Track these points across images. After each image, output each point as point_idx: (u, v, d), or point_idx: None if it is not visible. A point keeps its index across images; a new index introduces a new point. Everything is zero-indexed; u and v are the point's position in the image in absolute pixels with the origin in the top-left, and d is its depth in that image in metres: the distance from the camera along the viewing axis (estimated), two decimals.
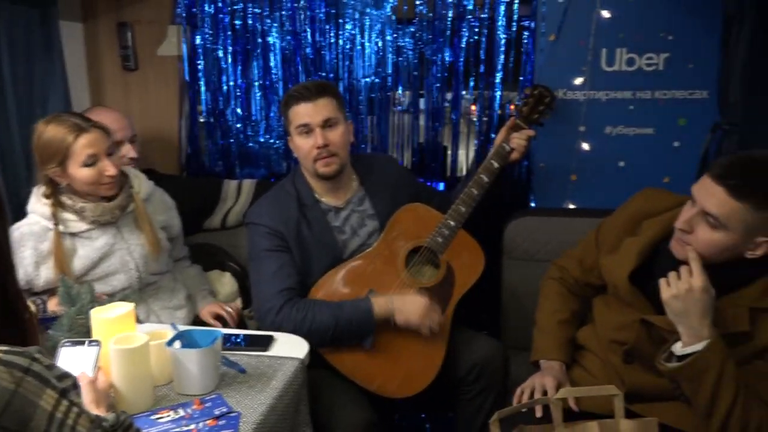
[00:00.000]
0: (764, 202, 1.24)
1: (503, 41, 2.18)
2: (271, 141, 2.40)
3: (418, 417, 2.34)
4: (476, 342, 1.81)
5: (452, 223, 1.81)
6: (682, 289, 1.26)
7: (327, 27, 2.26)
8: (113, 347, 1.20)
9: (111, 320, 1.30)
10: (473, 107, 2.33)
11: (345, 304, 1.68)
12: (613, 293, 1.55)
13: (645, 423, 1.21)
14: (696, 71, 2.04)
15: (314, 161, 1.74)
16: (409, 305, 1.68)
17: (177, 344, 1.32)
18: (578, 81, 2.10)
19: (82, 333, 1.38)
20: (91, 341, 1.24)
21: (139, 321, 1.59)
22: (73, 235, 1.70)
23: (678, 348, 1.30)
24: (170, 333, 1.35)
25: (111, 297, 1.72)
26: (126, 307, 1.34)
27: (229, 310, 1.91)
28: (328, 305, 1.67)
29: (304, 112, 1.72)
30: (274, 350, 1.50)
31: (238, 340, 1.53)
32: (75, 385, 0.83)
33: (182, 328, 1.38)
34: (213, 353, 1.30)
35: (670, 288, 1.29)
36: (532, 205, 2.25)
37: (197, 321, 1.92)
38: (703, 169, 1.96)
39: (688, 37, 2.02)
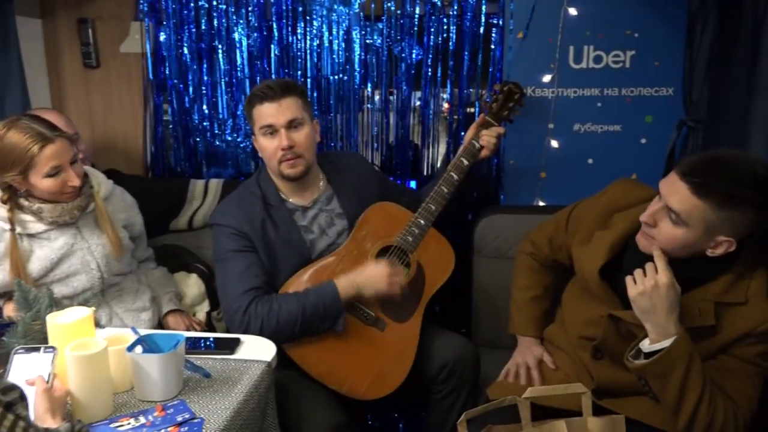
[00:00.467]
0: (725, 202, 1.24)
1: (471, 38, 2.18)
2: (239, 140, 2.36)
3: (390, 417, 2.33)
4: (447, 341, 1.80)
5: (422, 221, 1.80)
6: (648, 285, 1.27)
7: (294, 23, 2.22)
8: (70, 354, 1.16)
9: (68, 325, 1.25)
10: (446, 105, 2.32)
11: (309, 290, 1.66)
12: (584, 285, 1.56)
13: (613, 420, 1.21)
14: (662, 69, 2.07)
15: (279, 163, 1.71)
16: (371, 277, 1.66)
17: (138, 349, 1.28)
18: (547, 78, 2.11)
19: (38, 339, 1.33)
20: (46, 347, 1.20)
21: (100, 326, 1.55)
22: (31, 236, 1.65)
23: (645, 345, 1.31)
24: (131, 337, 1.30)
25: (72, 299, 1.68)
26: (84, 312, 1.29)
27: (196, 327, 1.87)
28: (292, 294, 1.66)
29: (267, 113, 1.68)
30: (241, 353, 1.46)
31: (203, 343, 1.49)
32: (22, 398, 0.79)
33: (144, 332, 1.34)
34: (175, 358, 1.26)
35: (636, 285, 1.29)
36: (502, 202, 2.25)
37: (161, 324, 1.88)
38: (670, 166, 2.01)
39: (653, 35, 2.05)
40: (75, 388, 1.17)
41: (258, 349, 1.48)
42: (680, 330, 1.26)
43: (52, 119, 1.81)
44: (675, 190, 1.29)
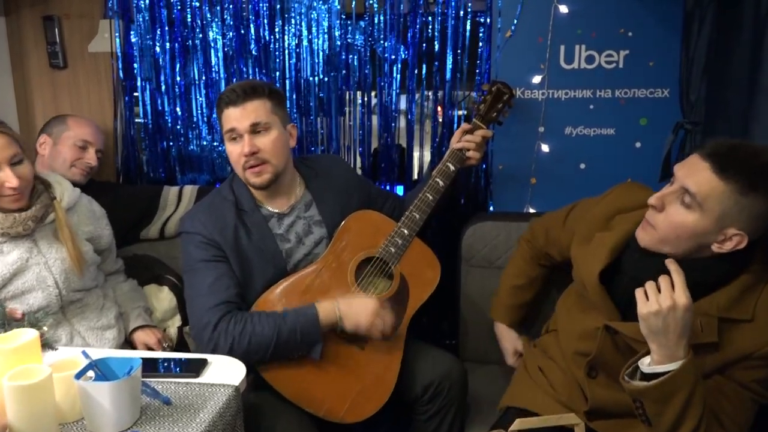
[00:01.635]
0: (747, 186, 1.16)
1: (457, 38, 2.08)
2: (215, 144, 2.25)
3: None
4: (432, 358, 1.70)
5: (406, 231, 1.70)
6: (664, 306, 1.14)
7: (272, 22, 2.11)
8: (7, 384, 1.04)
9: (10, 351, 1.14)
10: (439, 108, 2.22)
11: (288, 312, 1.54)
12: (579, 292, 1.48)
13: None
14: (657, 69, 1.98)
15: (244, 170, 1.60)
16: (356, 308, 1.54)
17: (90, 374, 1.16)
18: (536, 79, 2.02)
19: None
20: None
21: (53, 348, 1.43)
22: None
23: (645, 364, 1.21)
24: (82, 362, 1.18)
25: (27, 316, 1.56)
26: (30, 334, 1.18)
27: (165, 346, 1.76)
28: (269, 315, 1.54)
29: (231, 116, 1.58)
30: (206, 376, 1.35)
31: (167, 365, 1.38)
32: None
33: (97, 354, 1.22)
34: (129, 385, 1.14)
35: (648, 303, 1.17)
36: (491, 209, 2.16)
37: (130, 342, 1.76)
38: (666, 170, 1.92)
39: (648, 33, 1.96)
40: (14, 421, 1.05)
41: (226, 372, 1.37)
42: (689, 353, 1.16)
43: (91, 132, 2.03)
44: (695, 170, 1.20)
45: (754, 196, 1.16)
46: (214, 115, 2.21)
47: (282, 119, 1.63)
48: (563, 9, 1.96)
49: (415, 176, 2.28)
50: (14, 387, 1.04)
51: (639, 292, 1.19)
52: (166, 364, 1.39)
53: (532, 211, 2.11)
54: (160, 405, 1.22)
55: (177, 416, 1.19)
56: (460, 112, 2.17)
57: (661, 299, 1.15)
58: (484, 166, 2.12)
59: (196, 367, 1.37)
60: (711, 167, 1.18)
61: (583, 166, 2.08)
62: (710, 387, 1.23)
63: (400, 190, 2.30)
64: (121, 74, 2.21)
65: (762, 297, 1.24)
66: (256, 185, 1.62)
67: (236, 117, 1.57)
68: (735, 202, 1.17)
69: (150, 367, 1.37)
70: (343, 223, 1.70)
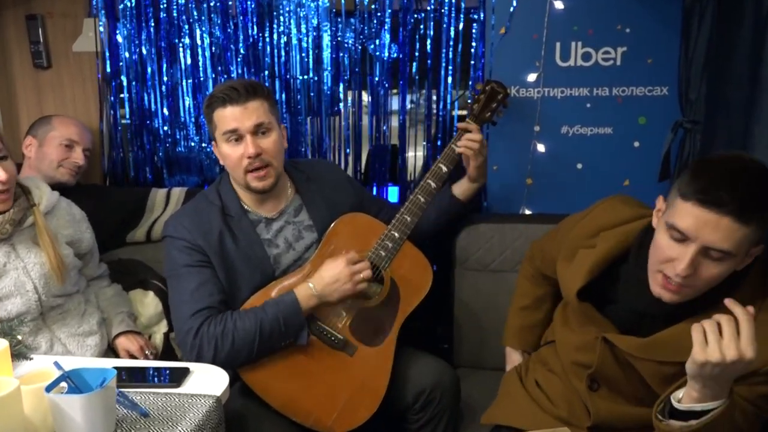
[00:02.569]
0: (765, 216, 1.09)
1: (450, 35, 2.03)
2: (203, 145, 2.20)
3: None
4: (424, 364, 1.65)
5: (396, 234, 1.65)
6: (729, 358, 1.00)
7: (260, 20, 2.06)
8: None
9: None
10: (425, 107, 2.17)
11: (267, 303, 1.50)
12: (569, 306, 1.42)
13: None
14: (655, 67, 1.94)
15: (245, 173, 1.55)
16: (330, 279, 1.50)
17: (63, 386, 1.11)
18: (531, 77, 1.97)
19: None
20: None
21: (27, 357, 1.38)
22: None
23: (678, 399, 1.11)
24: (54, 373, 1.13)
25: (0, 325, 1.51)
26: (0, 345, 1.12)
27: (148, 353, 1.71)
28: (247, 310, 1.50)
29: (231, 116, 1.51)
30: (188, 386, 1.30)
31: (146, 374, 1.33)
32: None
33: (70, 365, 1.17)
34: (103, 398, 1.09)
35: (709, 350, 1.02)
36: (486, 211, 2.11)
37: (113, 349, 1.72)
38: (665, 170, 1.87)
39: (646, 30, 1.92)
40: None
41: (208, 382, 1.32)
42: (731, 391, 1.07)
43: (78, 130, 1.97)
44: (714, 228, 1.09)
45: None
46: (202, 115, 2.16)
47: (277, 120, 1.59)
48: (559, 5, 1.92)
49: (409, 177, 2.23)
50: None
51: (696, 332, 1.05)
52: (145, 373, 1.34)
53: (527, 212, 2.07)
54: (137, 417, 1.18)
55: (155, 429, 1.14)
56: (454, 112, 2.12)
57: (725, 349, 1.01)
58: None
59: (177, 377, 1.32)
60: (732, 220, 1.08)
61: (580, 166, 2.03)
62: None
63: (393, 190, 2.26)
64: (106, 74, 2.16)
65: (762, 312, 1.16)
66: (258, 189, 1.56)
67: (237, 117, 1.51)
68: (759, 233, 1.10)
69: (129, 376, 1.33)
70: (331, 226, 1.65)
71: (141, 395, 1.25)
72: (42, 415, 1.10)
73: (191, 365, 1.38)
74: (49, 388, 1.08)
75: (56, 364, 1.15)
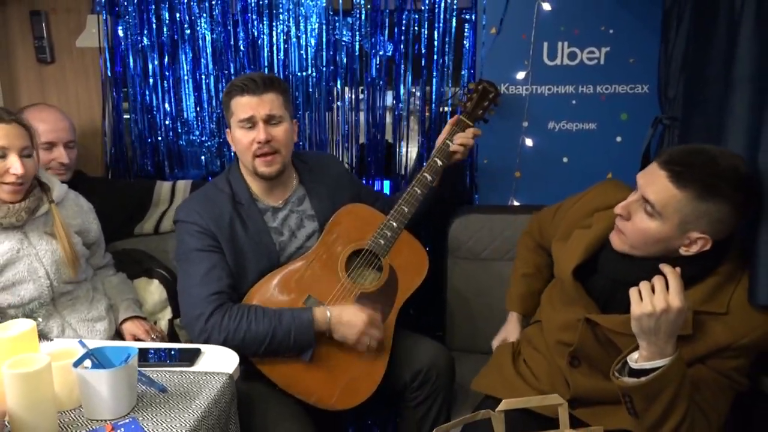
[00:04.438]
0: (703, 193, 1.20)
1: (444, 34, 2.11)
2: (204, 139, 2.26)
3: (362, 428, 2.25)
4: (420, 346, 1.74)
5: (395, 224, 1.74)
6: (659, 308, 1.15)
7: (260, 18, 2.13)
8: (7, 371, 1.06)
9: (9, 340, 1.15)
10: (419, 104, 2.25)
11: (284, 313, 1.56)
12: (559, 286, 1.52)
13: None
14: (637, 66, 2.04)
15: (254, 157, 1.63)
16: (345, 322, 1.57)
17: (87, 363, 1.18)
18: (521, 75, 2.06)
19: None
20: None
21: (48, 338, 1.45)
22: None
23: (634, 360, 1.23)
24: (79, 351, 1.21)
25: (19, 309, 1.57)
26: (27, 324, 1.19)
27: (154, 336, 1.77)
28: (265, 313, 1.56)
29: (247, 105, 1.60)
30: (200, 365, 1.38)
31: (160, 354, 1.40)
32: None
33: (93, 344, 1.24)
34: (127, 373, 1.17)
35: (642, 304, 1.17)
36: (477, 202, 2.20)
37: (120, 333, 1.78)
38: (645, 164, 1.96)
39: (628, 31, 2.01)
40: (14, 408, 1.07)
41: (219, 361, 1.40)
42: (677, 350, 1.19)
43: (51, 118, 1.88)
44: (653, 180, 1.25)
45: (713, 202, 1.20)
46: (204, 110, 2.23)
47: (290, 114, 1.68)
48: (546, 6, 2.01)
49: (402, 171, 2.31)
50: (14, 375, 1.06)
51: (633, 292, 1.20)
52: (160, 353, 1.41)
53: (516, 203, 2.16)
54: (155, 393, 1.25)
55: (173, 403, 1.21)
56: (446, 109, 2.21)
57: (656, 301, 1.16)
58: (469, 160, 2.16)
59: (189, 357, 1.40)
60: (668, 176, 1.22)
61: (566, 159, 2.13)
62: (692, 376, 1.26)
63: (386, 184, 2.33)
64: (108, 69, 2.21)
65: (736, 292, 1.28)
66: (265, 174, 1.64)
67: (254, 105, 1.60)
68: (693, 208, 1.21)
69: (144, 356, 1.40)
70: (333, 216, 1.73)
71: (157, 374, 1.32)
72: (69, 389, 1.17)
73: (202, 346, 1.45)
74: (75, 364, 1.16)
75: (81, 342, 1.22)
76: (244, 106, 1.61)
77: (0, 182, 1.51)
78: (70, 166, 1.96)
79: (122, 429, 1.12)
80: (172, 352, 1.42)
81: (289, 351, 1.56)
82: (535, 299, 1.75)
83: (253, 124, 1.61)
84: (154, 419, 1.16)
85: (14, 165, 1.49)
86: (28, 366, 1.08)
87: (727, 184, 1.20)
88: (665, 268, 1.20)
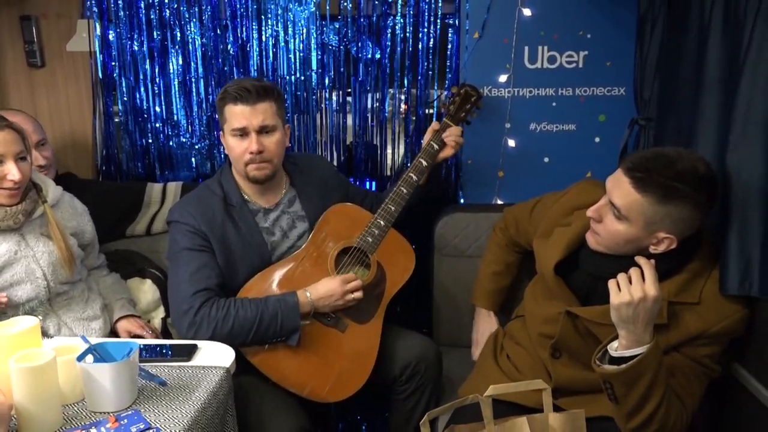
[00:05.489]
0: (663, 197, 1.27)
1: (428, 39, 2.18)
2: (194, 141, 2.30)
3: (353, 419, 2.31)
4: (408, 341, 1.79)
5: (382, 222, 1.80)
6: (636, 297, 1.23)
7: (249, 23, 2.18)
8: (14, 366, 1.10)
9: (13, 336, 1.19)
10: (404, 106, 2.31)
11: (269, 298, 1.62)
12: (542, 281, 1.58)
13: (572, 415, 1.22)
14: (614, 69, 2.11)
15: (246, 165, 1.67)
16: (324, 294, 1.64)
17: (89, 359, 1.23)
18: (503, 78, 2.13)
19: None
20: None
21: (47, 335, 1.48)
22: None
23: (614, 349, 1.30)
24: (81, 347, 1.25)
25: (17, 309, 1.60)
26: (30, 321, 1.23)
27: (149, 332, 1.80)
28: (251, 300, 1.61)
29: (241, 114, 1.63)
30: (198, 360, 1.42)
31: (159, 350, 1.45)
32: None
33: (94, 340, 1.29)
34: (129, 367, 1.21)
35: (620, 293, 1.25)
36: (462, 201, 2.26)
37: (115, 332, 1.81)
38: None
39: (605, 36, 2.09)
40: (20, 401, 1.11)
41: (216, 355, 1.44)
42: (653, 338, 1.26)
43: (20, 120, 1.76)
44: (618, 185, 1.32)
45: (672, 204, 1.27)
46: (194, 113, 2.26)
47: (282, 120, 1.71)
48: (527, 12, 2.08)
49: (388, 172, 2.36)
50: (21, 368, 1.10)
51: (612, 283, 1.27)
52: (158, 349, 1.45)
53: (500, 202, 2.22)
54: (155, 386, 1.29)
55: (173, 396, 1.26)
56: (430, 111, 2.26)
57: (633, 290, 1.23)
58: (454, 160, 2.22)
59: (186, 352, 1.44)
60: (630, 182, 1.29)
61: (546, 159, 2.20)
62: (668, 363, 1.33)
63: (372, 185, 2.38)
64: (99, 73, 2.24)
65: (708, 283, 1.36)
66: (256, 179, 1.69)
67: (246, 115, 1.62)
68: (655, 211, 1.28)
69: (143, 352, 1.43)
70: (323, 215, 1.78)
71: (156, 368, 1.36)
72: (72, 383, 1.21)
73: (198, 342, 1.50)
74: (79, 359, 1.20)
75: (83, 337, 1.26)
76: (237, 115, 1.63)
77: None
78: (48, 165, 1.95)
79: (126, 420, 1.16)
80: (170, 348, 1.46)
81: (277, 335, 1.61)
82: (502, 295, 1.83)
83: (245, 134, 1.64)
84: (156, 411, 1.20)
85: (12, 171, 1.53)
86: (34, 360, 1.12)
87: (687, 185, 1.26)
88: (640, 260, 1.28)
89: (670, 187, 1.26)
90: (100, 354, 1.25)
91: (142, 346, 1.43)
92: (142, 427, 1.14)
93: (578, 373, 1.48)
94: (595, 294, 1.45)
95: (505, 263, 1.84)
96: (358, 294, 1.68)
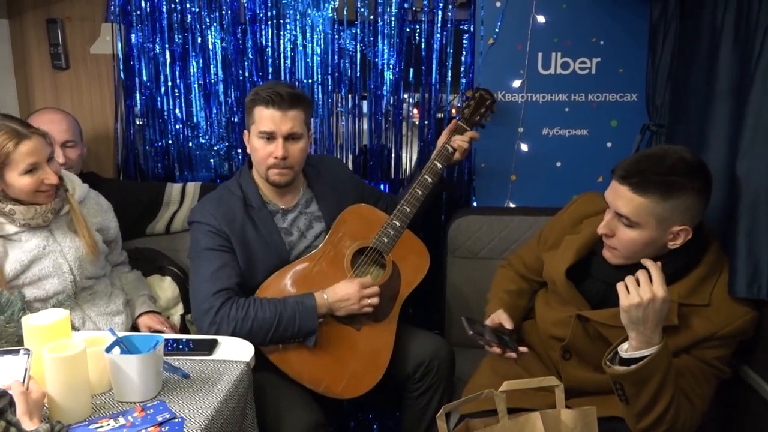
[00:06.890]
0: (665, 192, 1.30)
1: (443, 44, 2.21)
2: (213, 143, 2.35)
3: (366, 416, 2.35)
4: (422, 340, 1.83)
5: (397, 223, 1.83)
6: (645, 298, 1.25)
7: (268, 27, 2.23)
8: (47, 355, 1.15)
9: (45, 327, 1.24)
10: (415, 110, 2.35)
11: (288, 300, 1.65)
12: (552, 289, 1.60)
13: (584, 412, 1.24)
14: (626, 75, 2.14)
15: (268, 168, 1.71)
16: (341, 297, 1.67)
17: (116, 350, 1.27)
18: (516, 84, 2.17)
19: (12, 342, 1.32)
20: (21, 350, 1.18)
21: (74, 328, 1.53)
22: (2, 237, 1.62)
23: (624, 350, 1.32)
24: (108, 339, 1.29)
25: (44, 302, 1.66)
26: (60, 314, 1.28)
27: (168, 328, 1.85)
28: (270, 301, 1.65)
29: (270, 119, 1.66)
30: (219, 354, 1.47)
31: (181, 345, 1.49)
32: (11, 404, 0.79)
33: (121, 334, 1.33)
34: (154, 359, 1.26)
35: (630, 296, 1.27)
36: (474, 204, 2.29)
37: (136, 327, 1.86)
38: None
39: (618, 42, 2.12)
40: (52, 390, 1.16)
41: (236, 350, 1.49)
42: (663, 339, 1.28)
43: (57, 119, 1.90)
44: (618, 196, 1.35)
45: (676, 196, 1.30)
46: (213, 116, 2.32)
47: (308, 128, 1.75)
48: (541, 19, 2.11)
49: (401, 175, 2.39)
50: (54, 358, 1.15)
51: (620, 286, 1.30)
52: (180, 343, 1.50)
53: (512, 205, 2.26)
54: (179, 379, 1.34)
55: (196, 388, 1.31)
56: (440, 115, 2.29)
57: (642, 292, 1.26)
58: (467, 164, 2.26)
59: (208, 346, 1.48)
60: (629, 188, 1.32)
61: (559, 164, 2.23)
62: (678, 365, 1.35)
63: (385, 188, 2.41)
64: (122, 75, 2.29)
65: (717, 285, 1.38)
66: (276, 183, 1.73)
67: (276, 121, 1.65)
68: (663, 208, 1.31)
69: (166, 346, 1.48)
70: (339, 216, 1.82)
71: (178, 362, 1.41)
72: (100, 373, 1.26)
73: (219, 337, 1.54)
74: (107, 350, 1.25)
75: (111, 330, 1.31)
76: (266, 119, 1.66)
77: (37, 191, 1.60)
78: (69, 165, 1.99)
79: (152, 410, 1.21)
80: (191, 343, 1.50)
81: (294, 336, 1.64)
82: (515, 312, 1.71)
83: (272, 138, 1.68)
84: (180, 402, 1.25)
85: (50, 177, 1.59)
86: (66, 351, 1.17)
87: (682, 176, 1.30)
88: (647, 262, 1.31)
89: (668, 182, 1.30)
90: (126, 346, 1.30)
91: (165, 341, 1.47)
92: (167, 416, 1.19)
93: (588, 374, 1.50)
94: (608, 302, 1.47)
95: (517, 286, 1.77)
96: (374, 300, 1.70)
